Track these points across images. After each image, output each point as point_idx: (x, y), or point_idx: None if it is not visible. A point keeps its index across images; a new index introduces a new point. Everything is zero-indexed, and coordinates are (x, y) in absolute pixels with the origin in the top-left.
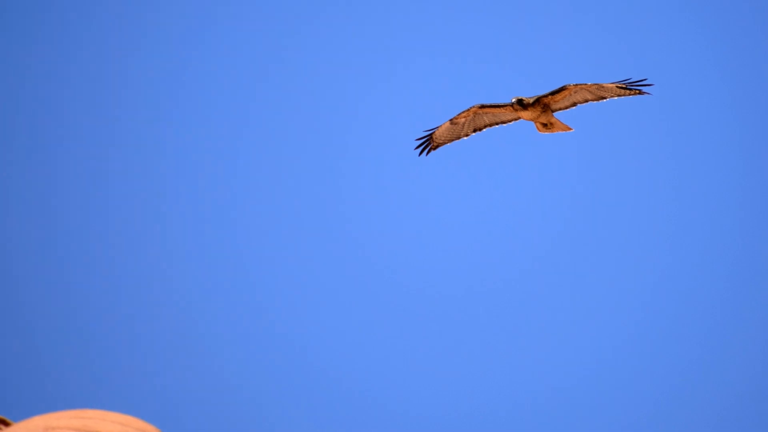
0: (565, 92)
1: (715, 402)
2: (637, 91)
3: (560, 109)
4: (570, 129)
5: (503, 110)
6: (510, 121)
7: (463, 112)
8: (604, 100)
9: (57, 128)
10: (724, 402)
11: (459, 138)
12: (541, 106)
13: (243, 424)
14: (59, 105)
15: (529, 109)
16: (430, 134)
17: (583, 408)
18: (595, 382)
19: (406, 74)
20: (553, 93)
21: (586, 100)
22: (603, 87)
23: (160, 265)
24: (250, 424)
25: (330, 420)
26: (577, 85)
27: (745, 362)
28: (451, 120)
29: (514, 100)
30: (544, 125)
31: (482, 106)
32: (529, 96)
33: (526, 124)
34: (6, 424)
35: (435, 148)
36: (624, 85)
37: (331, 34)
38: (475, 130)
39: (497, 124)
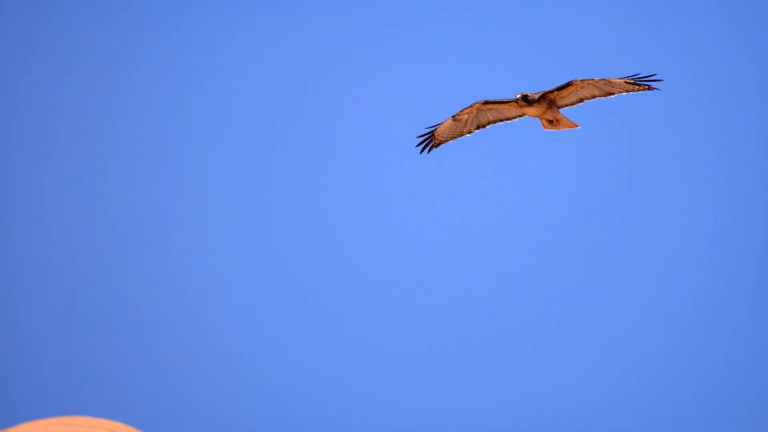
0: (572, 88)
1: (737, 411)
2: (646, 87)
3: (567, 105)
4: (577, 126)
5: (508, 106)
6: (514, 118)
7: (466, 108)
8: (612, 96)
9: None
10: (744, 411)
11: (462, 135)
12: (547, 102)
13: (236, 430)
14: (53, 105)
15: (534, 105)
16: (432, 131)
17: (595, 418)
18: (606, 388)
19: (407, 70)
20: (559, 89)
21: (594, 96)
22: (611, 82)
23: (152, 267)
24: (244, 430)
25: (325, 427)
26: (584, 80)
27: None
28: (453, 116)
29: (518, 96)
30: (550, 122)
31: (486, 102)
32: (534, 92)
33: (531, 120)
34: None
35: (437, 145)
36: (633, 81)
37: (329, 26)
38: (478, 127)
39: (501, 120)
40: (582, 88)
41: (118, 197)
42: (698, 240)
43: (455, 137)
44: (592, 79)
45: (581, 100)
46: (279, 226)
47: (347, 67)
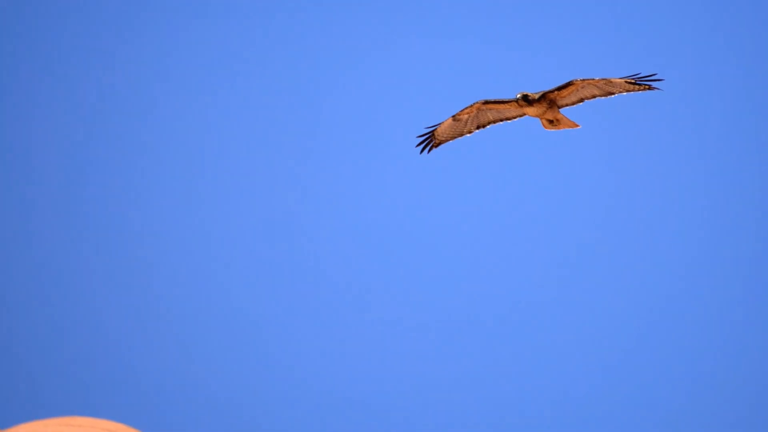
0: (572, 87)
1: (731, 411)
2: (647, 87)
3: (567, 105)
4: (577, 125)
5: (508, 106)
6: (515, 118)
7: (466, 108)
8: (613, 96)
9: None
10: (740, 411)
11: (462, 135)
12: (547, 102)
13: (236, 430)
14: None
15: (534, 105)
16: (432, 131)
17: (590, 417)
18: (603, 389)
19: (407, 70)
20: (559, 88)
21: (594, 96)
22: (611, 82)
23: (153, 268)
24: (244, 430)
25: (325, 426)
26: (584, 80)
27: (763, 368)
28: (453, 116)
29: (518, 95)
30: (551, 122)
31: (486, 102)
32: (534, 91)
33: (531, 120)
34: None
35: (437, 145)
36: (633, 81)
37: (329, 26)
38: (478, 127)
39: (501, 120)
40: (582, 87)
41: (119, 196)
42: (698, 239)
43: (455, 137)
44: (593, 79)
45: (581, 100)
46: (279, 226)
47: (347, 66)
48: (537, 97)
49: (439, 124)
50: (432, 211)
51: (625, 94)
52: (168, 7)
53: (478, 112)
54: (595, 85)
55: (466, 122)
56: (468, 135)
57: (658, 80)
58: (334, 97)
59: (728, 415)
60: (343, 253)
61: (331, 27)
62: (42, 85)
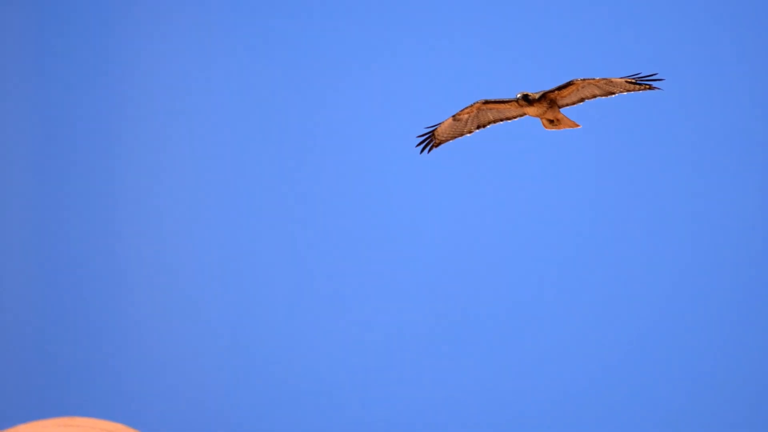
0: (573, 87)
1: (731, 411)
2: (647, 86)
3: (567, 104)
4: (577, 125)
5: (508, 106)
6: (515, 118)
7: (467, 107)
8: (613, 96)
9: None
10: (740, 411)
11: (462, 135)
12: (548, 101)
13: (236, 430)
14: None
15: (534, 104)
16: (432, 131)
17: (590, 417)
18: (603, 389)
19: (407, 69)
20: (559, 88)
21: (594, 96)
22: (611, 82)
23: (152, 267)
24: (243, 430)
25: (324, 427)
26: (584, 80)
27: (762, 368)
28: (453, 116)
29: (519, 95)
30: (551, 122)
31: (486, 102)
32: (534, 91)
33: (531, 120)
34: None
35: (437, 145)
36: (633, 80)
37: (328, 25)
38: (478, 127)
39: (502, 120)
40: (583, 87)
41: (114, 195)
42: (698, 239)
43: (455, 137)
44: (593, 79)
45: (582, 100)
46: (277, 226)
47: (347, 66)
48: (537, 96)
49: (439, 123)
50: (431, 211)
51: (625, 93)
52: (169, 6)
53: (478, 112)
54: (596, 85)
55: (467, 122)
56: (468, 135)
57: (659, 80)
58: (334, 97)
59: (728, 415)
60: (343, 253)
61: (331, 27)
62: (42, 83)
